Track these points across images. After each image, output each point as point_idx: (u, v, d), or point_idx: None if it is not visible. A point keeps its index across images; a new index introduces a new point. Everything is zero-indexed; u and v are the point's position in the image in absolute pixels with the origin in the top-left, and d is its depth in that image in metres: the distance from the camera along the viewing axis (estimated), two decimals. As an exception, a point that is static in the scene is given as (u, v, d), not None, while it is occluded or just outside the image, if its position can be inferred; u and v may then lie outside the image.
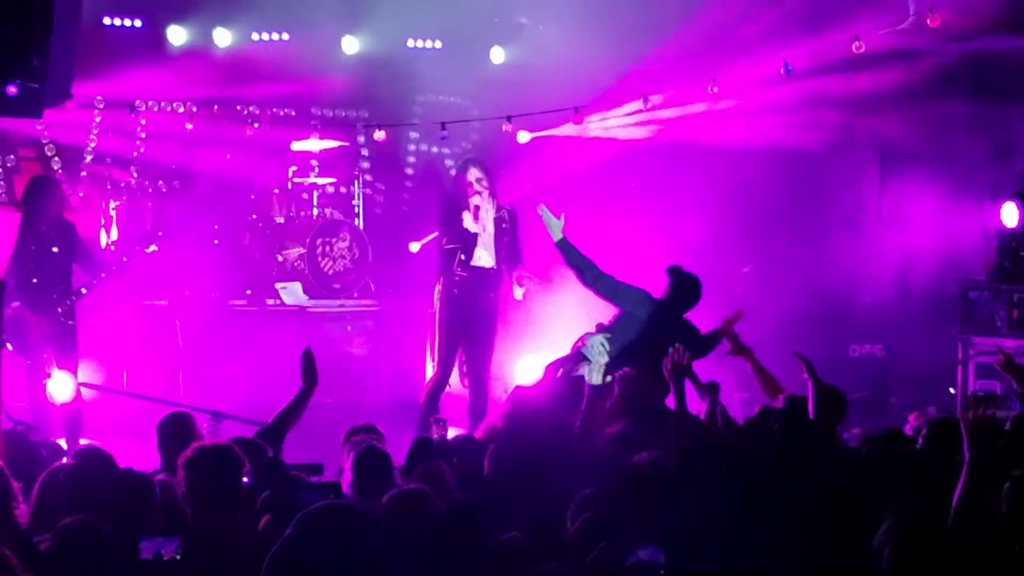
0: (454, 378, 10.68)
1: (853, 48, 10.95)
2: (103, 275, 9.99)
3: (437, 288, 10.47)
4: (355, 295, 13.49)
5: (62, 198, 10.42)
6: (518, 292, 10.48)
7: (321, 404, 8.85)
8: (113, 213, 13.22)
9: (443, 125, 11.60)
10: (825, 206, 14.25)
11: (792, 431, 6.73)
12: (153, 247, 10.42)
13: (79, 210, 12.96)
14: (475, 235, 10.29)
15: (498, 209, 10.43)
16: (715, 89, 11.51)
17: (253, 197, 14.01)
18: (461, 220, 10.31)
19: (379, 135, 12.01)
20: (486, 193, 10.37)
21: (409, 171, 15.31)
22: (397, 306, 13.23)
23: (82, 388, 9.92)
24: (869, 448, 6.84)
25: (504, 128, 11.72)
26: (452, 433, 8.69)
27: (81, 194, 13.53)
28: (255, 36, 13.83)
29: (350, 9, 13.49)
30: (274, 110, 14.33)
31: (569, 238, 9.40)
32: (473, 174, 10.38)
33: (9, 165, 13.40)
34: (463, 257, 10.30)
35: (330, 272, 13.36)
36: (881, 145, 14.08)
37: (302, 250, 13.29)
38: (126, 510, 5.45)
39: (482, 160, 10.77)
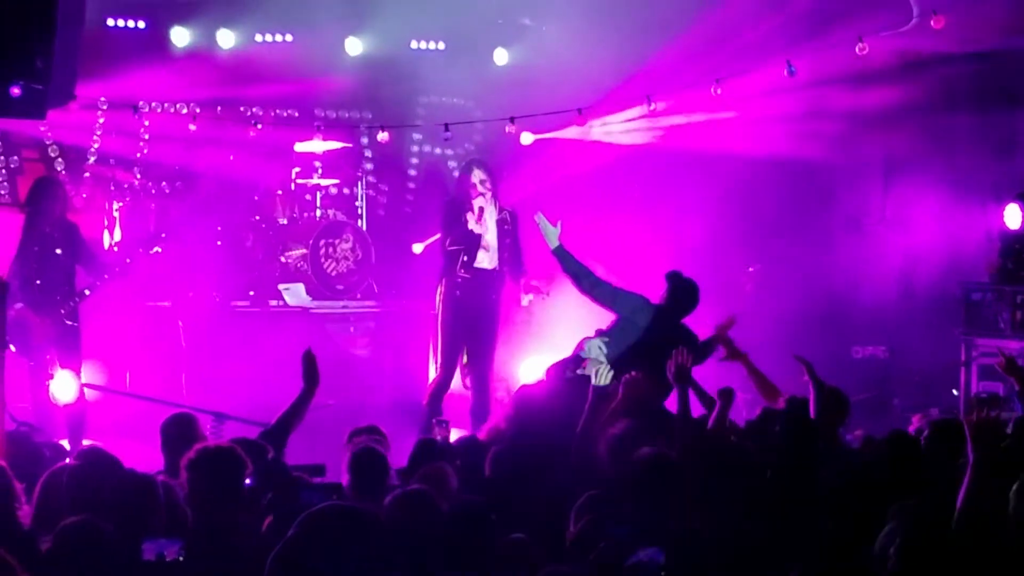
0: (456, 380, 10.67)
1: (857, 51, 10.93)
2: (106, 276, 10.00)
3: (440, 290, 10.47)
4: (358, 296, 13.49)
5: (65, 199, 10.42)
6: (526, 300, 10.49)
7: (324, 405, 8.85)
8: (116, 214, 13.23)
9: (446, 127, 11.58)
10: (828, 208, 14.24)
11: (793, 433, 6.72)
12: (156, 248, 10.45)
13: (82, 211, 12.95)
14: (478, 237, 10.29)
15: (500, 211, 10.43)
16: (718, 91, 11.48)
17: (256, 198, 14.01)
18: (464, 222, 10.30)
19: (382, 136, 12.00)
20: (489, 195, 10.37)
21: (412, 172, 15.29)
22: (400, 307, 13.22)
23: (85, 389, 9.91)
24: (871, 449, 6.84)
25: (507, 130, 11.71)
26: (455, 435, 8.70)
27: (84, 195, 13.55)
28: (258, 37, 13.79)
29: (353, 10, 13.46)
30: (277, 111, 14.32)
31: (566, 245, 9.39)
32: (477, 176, 10.37)
33: (13, 166, 13.40)
34: (466, 259, 10.29)
35: (333, 273, 13.37)
36: (885, 152, 14.07)
37: (305, 251, 13.30)
38: (130, 511, 5.43)
39: (486, 162, 10.77)
